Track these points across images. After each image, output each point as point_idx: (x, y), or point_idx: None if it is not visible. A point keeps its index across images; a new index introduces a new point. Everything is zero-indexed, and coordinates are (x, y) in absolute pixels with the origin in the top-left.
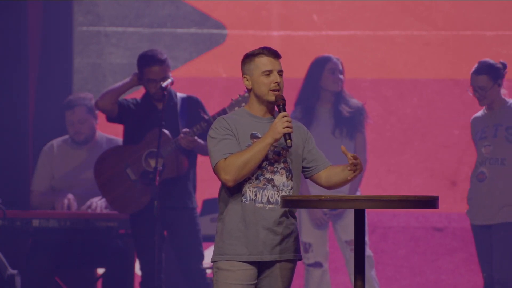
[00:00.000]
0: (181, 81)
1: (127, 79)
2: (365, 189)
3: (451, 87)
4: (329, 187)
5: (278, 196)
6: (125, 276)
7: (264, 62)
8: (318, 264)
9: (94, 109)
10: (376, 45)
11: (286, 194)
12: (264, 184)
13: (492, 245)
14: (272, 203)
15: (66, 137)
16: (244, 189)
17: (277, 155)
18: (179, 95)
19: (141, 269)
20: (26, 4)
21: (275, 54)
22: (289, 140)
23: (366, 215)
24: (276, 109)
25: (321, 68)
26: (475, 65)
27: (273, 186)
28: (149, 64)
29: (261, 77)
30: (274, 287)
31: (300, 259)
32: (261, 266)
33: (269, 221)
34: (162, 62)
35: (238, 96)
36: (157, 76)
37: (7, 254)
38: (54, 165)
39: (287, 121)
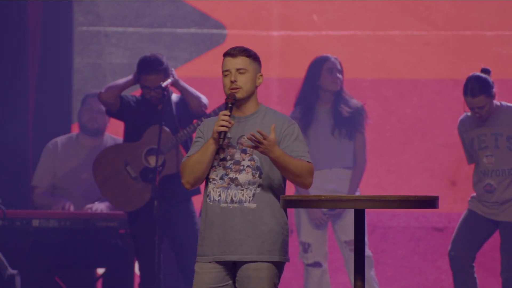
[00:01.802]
0: None
1: (130, 76)
2: (365, 189)
3: (451, 87)
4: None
5: (242, 195)
6: (125, 276)
7: (224, 63)
8: (317, 264)
9: None
10: (376, 45)
11: (252, 192)
12: (228, 184)
13: (500, 244)
14: (236, 202)
15: (70, 135)
16: (208, 190)
17: (244, 153)
18: (175, 95)
19: (140, 270)
20: (26, 4)
21: (236, 52)
22: (221, 139)
23: (366, 215)
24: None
25: (319, 67)
26: (466, 86)
27: (237, 185)
28: (146, 72)
29: (223, 78)
30: None
31: (282, 260)
32: (237, 267)
33: (233, 220)
34: (159, 72)
35: None
36: (152, 85)
37: (7, 254)
38: (57, 163)
39: (223, 120)
